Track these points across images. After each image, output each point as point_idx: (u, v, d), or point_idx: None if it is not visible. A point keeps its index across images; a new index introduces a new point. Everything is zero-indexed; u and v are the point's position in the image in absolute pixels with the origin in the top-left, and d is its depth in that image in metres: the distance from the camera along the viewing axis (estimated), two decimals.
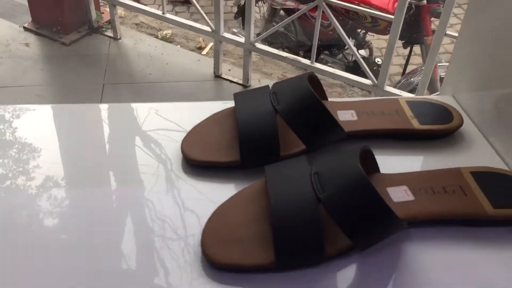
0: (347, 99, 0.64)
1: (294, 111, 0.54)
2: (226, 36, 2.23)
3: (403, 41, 2.88)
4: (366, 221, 0.43)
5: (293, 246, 0.43)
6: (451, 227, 0.50)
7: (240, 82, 2.33)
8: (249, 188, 0.51)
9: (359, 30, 2.95)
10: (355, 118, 0.61)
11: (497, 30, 0.60)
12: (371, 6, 2.42)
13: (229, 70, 2.42)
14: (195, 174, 0.55)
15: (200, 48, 2.62)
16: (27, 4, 2.54)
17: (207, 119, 0.60)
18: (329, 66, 2.77)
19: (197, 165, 0.55)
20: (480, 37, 0.64)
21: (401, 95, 1.92)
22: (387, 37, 1.97)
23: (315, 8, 2.00)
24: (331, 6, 2.21)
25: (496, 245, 0.48)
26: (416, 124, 0.60)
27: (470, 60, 0.66)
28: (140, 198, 0.52)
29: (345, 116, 0.61)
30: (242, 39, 2.20)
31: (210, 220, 0.48)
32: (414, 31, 2.66)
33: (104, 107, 0.67)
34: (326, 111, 0.54)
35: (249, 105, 0.57)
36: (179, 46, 2.60)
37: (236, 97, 0.59)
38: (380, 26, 2.62)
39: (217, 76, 2.37)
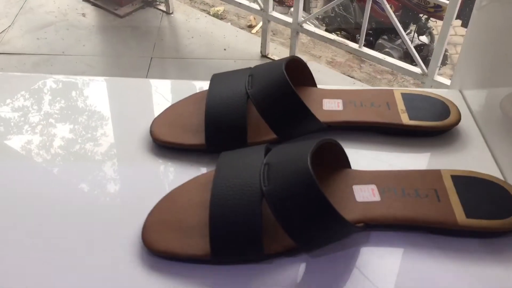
0: (337, 87, 0.60)
1: (265, 96, 0.51)
2: (274, 15, 2.19)
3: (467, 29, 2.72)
4: (308, 222, 0.40)
5: (229, 239, 0.41)
6: (417, 233, 0.45)
7: None
8: (205, 174, 0.49)
9: (421, 15, 2.82)
10: (341, 108, 0.57)
11: (507, 26, 0.54)
12: None
13: (275, 48, 2.38)
14: (162, 155, 0.53)
15: (251, 27, 2.59)
16: None
17: (185, 98, 0.58)
18: (386, 51, 2.66)
19: (163, 145, 0.54)
20: (491, 31, 0.58)
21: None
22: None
23: None
24: None
25: (464, 258, 0.44)
26: (405, 118, 0.55)
27: (479, 55, 0.60)
28: (106, 174, 0.52)
29: (329, 105, 0.57)
30: (290, 19, 2.15)
31: (158, 204, 0.46)
32: None
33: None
34: (298, 99, 0.51)
35: (223, 87, 0.54)
36: (229, 23, 2.58)
37: (213, 78, 0.56)
38: (443, 12, 2.48)
39: (264, 55, 2.33)
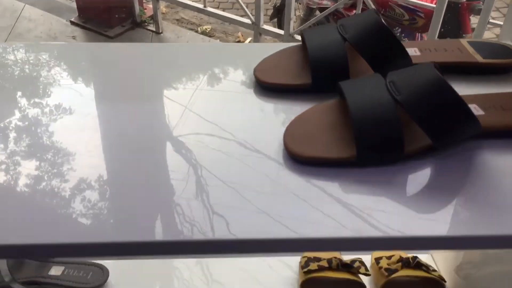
0: (409, 42, 0.66)
1: (362, 39, 0.57)
2: (266, 28, 2.27)
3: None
4: (445, 119, 0.46)
5: (374, 142, 0.46)
6: None
7: None
8: (321, 104, 0.54)
9: (396, 28, 2.96)
10: (418, 53, 0.63)
11: None
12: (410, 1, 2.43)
13: None
14: (267, 96, 0.58)
15: (239, 42, 2.68)
16: (71, 4, 2.64)
17: (276, 53, 0.63)
18: None
19: (269, 87, 0.58)
20: None
21: None
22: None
23: (351, 7, 2.04)
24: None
25: None
26: (479, 58, 0.62)
27: None
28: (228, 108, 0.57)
29: (408, 52, 0.63)
30: (281, 32, 2.25)
31: (291, 124, 0.51)
32: (452, 29, 2.65)
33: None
34: (395, 39, 0.57)
35: (318, 36, 0.60)
36: (218, 40, 2.66)
37: (305, 32, 0.62)
38: (417, 24, 2.62)
39: None
